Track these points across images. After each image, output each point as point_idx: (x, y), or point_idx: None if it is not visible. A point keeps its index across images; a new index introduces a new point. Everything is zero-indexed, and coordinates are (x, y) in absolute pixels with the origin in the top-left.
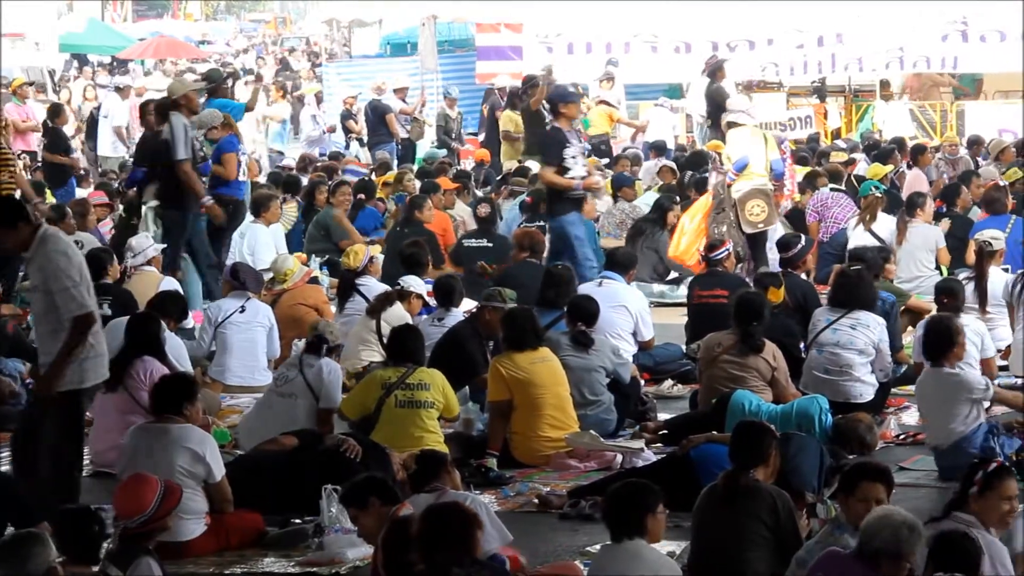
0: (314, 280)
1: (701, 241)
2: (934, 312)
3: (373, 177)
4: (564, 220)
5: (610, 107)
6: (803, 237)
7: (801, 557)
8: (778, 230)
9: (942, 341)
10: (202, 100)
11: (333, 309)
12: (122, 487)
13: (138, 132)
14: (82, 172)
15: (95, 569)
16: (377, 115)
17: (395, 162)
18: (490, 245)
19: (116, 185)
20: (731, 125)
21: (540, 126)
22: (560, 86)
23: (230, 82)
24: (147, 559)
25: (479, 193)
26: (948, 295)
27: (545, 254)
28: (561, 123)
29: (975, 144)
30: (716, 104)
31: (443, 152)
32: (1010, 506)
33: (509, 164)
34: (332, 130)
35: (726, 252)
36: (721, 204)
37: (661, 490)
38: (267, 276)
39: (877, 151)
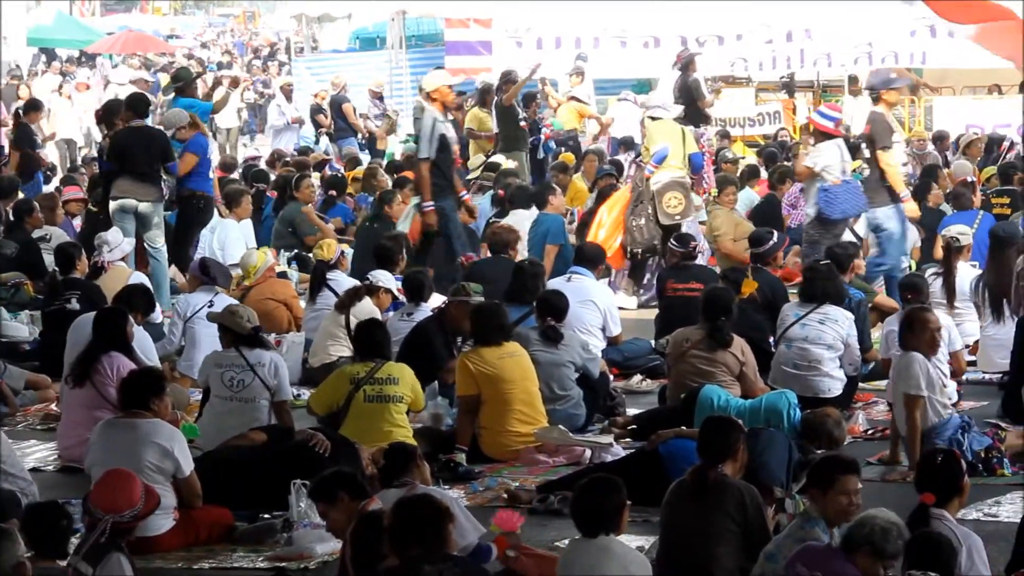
0: (283, 275)
1: (619, 234)
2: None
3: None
4: (880, 212)
5: (581, 103)
6: (775, 233)
7: (769, 551)
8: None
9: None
10: (169, 97)
11: (302, 303)
12: (106, 483)
13: None
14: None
15: (63, 564)
16: (334, 109)
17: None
18: None
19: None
20: (651, 119)
21: (513, 122)
22: (882, 71)
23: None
24: (118, 555)
25: None
26: (912, 291)
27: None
28: (882, 109)
29: (941, 139)
30: (689, 98)
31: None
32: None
33: (475, 160)
34: (298, 122)
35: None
36: (640, 197)
37: (624, 483)
38: (237, 272)
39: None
